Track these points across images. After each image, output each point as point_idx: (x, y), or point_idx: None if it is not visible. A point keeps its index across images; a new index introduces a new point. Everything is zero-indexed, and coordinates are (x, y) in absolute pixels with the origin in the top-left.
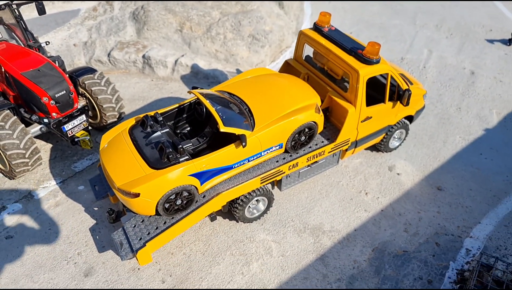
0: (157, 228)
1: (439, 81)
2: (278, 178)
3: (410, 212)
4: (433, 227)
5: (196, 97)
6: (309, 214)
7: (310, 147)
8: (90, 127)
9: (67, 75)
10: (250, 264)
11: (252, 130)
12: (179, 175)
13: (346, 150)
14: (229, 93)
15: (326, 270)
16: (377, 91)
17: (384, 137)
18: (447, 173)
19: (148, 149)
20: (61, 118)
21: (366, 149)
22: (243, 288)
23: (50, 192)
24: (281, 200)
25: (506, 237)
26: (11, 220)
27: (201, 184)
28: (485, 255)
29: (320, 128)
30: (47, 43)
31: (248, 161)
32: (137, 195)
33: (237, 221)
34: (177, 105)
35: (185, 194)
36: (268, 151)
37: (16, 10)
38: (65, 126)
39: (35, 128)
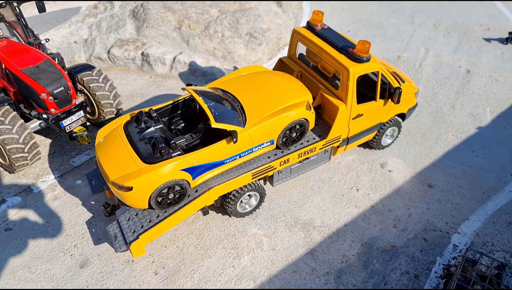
0: (150, 221)
1: (434, 80)
2: (269, 173)
3: (400, 208)
4: (422, 223)
5: (190, 93)
6: (300, 210)
7: (301, 144)
8: (88, 123)
9: (66, 72)
10: (241, 257)
11: (244, 127)
12: (171, 169)
13: (338, 147)
14: (222, 90)
15: (315, 264)
16: (369, 89)
17: (376, 135)
18: (438, 170)
19: (142, 144)
20: (59, 114)
21: (359, 146)
22: (233, 280)
23: (48, 186)
24: (274, 195)
25: (493, 233)
26: (10, 212)
27: (193, 179)
28: (471, 250)
29: (311, 125)
30: (47, 40)
31: (240, 156)
32: (130, 189)
33: (230, 216)
34: (171, 101)
35: (177, 188)
36: (259, 147)
37: (16, 8)
38: (63, 121)
39: (35, 124)
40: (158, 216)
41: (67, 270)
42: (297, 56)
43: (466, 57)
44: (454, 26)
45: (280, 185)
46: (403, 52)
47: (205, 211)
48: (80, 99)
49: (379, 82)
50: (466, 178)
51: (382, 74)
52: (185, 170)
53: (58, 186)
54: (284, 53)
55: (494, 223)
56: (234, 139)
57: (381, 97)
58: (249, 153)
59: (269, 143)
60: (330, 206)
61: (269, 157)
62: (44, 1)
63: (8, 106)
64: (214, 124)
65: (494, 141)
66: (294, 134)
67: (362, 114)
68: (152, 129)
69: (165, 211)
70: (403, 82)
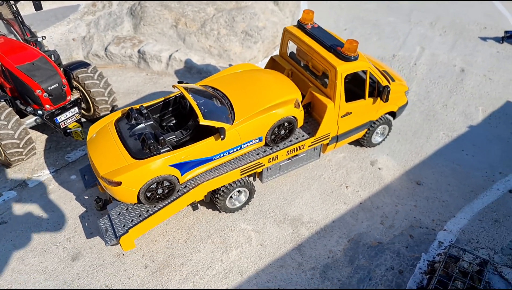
0: (140, 215)
1: (428, 78)
2: (258, 170)
3: (387, 205)
4: (409, 220)
5: (180, 91)
6: (289, 206)
7: (290, 141)
8: (83, 119)
9: (62, 69)
10: (230, 252)
11: (232, 124)
12: (159, 165)
13: (328, 144)
14: (212, 87)
15: (301, 259)
16: (359, 87)
17: (366, 133)
18: (427, 168)
19: (132, 140)
20: (54, 110)
21: (349, 144)
22: (221, 274)
23: (43, 181)
24: (264, 191)
25: (479, 231)
26: (5, 206)
27: (182, 174)
28: (455, 247)
29: (300, 122)
30: (43, 37)
31: (228, 153)
32: (119, 184)
33: (220, 212)
34: (162, 99)
35: (166, 183)
36: (248, 144)
37: (13, 5)
38: (58, 117)
39: (30, 120)
40: (147, 210)
41: (59, 263)
42: (288, 55)
43: (461, 56)
44: (450, 24)
45: (270, 181)
46: (399, 50)
47: (194, 206)
48: (75, 95)
49: (368, 81)
50: (455, 176)
51: (370, 73)
52: (173, 166)
53: (53, 181)
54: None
55: (480, 220)
56: (222, 136)
57: (370, 96)
58: (237, 150)
59: (257, 140)
60: (319, 202)
61: (258, 154)
62: (42, 0)
63: (4, 102)
64: (202, 121)
65: (484, 139)
66: (282, 132)
67: (351, 112)
68: (142, 125)
69: (155, 206)
70: (393, 80)
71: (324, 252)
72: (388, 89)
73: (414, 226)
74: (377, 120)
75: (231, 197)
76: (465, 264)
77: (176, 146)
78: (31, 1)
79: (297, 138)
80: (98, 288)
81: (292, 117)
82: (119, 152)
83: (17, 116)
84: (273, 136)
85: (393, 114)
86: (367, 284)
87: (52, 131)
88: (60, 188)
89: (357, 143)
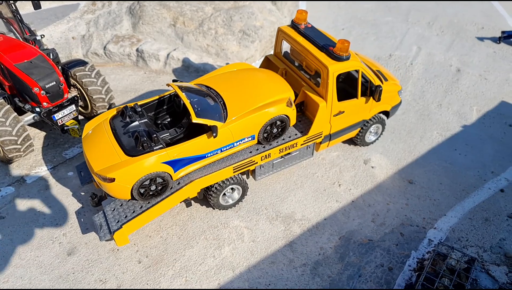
0: (134, 211)
1: (424, 78)
2: (251, 168)
3: (379, 204)
4: (400, 218)
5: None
6: (282, 203)
7: (283, 139)
8: (81, 117)
9: (60, 67)
10: (222, 248)
11: (224, 122)
12: (152, 162)
13: (321, 143)
14: (206, 86)
15: (293, 256)
16: (352, 87)
17: (359, 132)
18: (420, 167)
19: (125, 137)
20: (51, 108)
21: (343, 143)
22: (213, 269)
23: (41, 177)
24: (257, 189)
25: (469, 229)
26: (3, 202)
27: (175, 172)
28: (444, 245)
29: (293, 121)
30: (42, 36)
31: (221, 151)
32: (112, 180)
33: (213, 209)
34: (157, 97)
35: (159, 180)
36: (240, 142)
37: (12, 4)
38: (55, 115)
39: (29, 117)
40: (141, 207)
41: (55, 257)
42: (282, 54)
43: (458, 56)
44: (448, 24)
45: (263, 179)
46: (395, 50)
47: (188, 203)
48: (72, 93)
49: (360, 80)
50: (447, 175)
51: (362, 72)
52: (166, 163)
53: (50, 177)
54: None
55: (470, 219)
56: (214, 134)
57: (363, 95)
58: (230, 148)
59: (250, 138)
60: (311, 200)
61: (250, 152)
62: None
63: (3, 100)
64: (195, 119)
65: (477, 139)
66: (275, 130)
67: (343, 111)
68: (136, 123)
69: (148, 202)
70: (386, 80)
71: (315, 249)
72: (380, 88)
73: (405, 224)
74: (370, 119)
75: (224, 194)
76: (452, 261)
77: (170, 143)
78: (31, 0)
79: (289, 137)
80: (90, 288)
81: (284, 115)
82: (113, 149)
83: (15, 113)
84: (265, 135)
85: (386, 114)
86: (357, 280)
87: (50, 129)
88: (57, 185)
89: (351, 142)
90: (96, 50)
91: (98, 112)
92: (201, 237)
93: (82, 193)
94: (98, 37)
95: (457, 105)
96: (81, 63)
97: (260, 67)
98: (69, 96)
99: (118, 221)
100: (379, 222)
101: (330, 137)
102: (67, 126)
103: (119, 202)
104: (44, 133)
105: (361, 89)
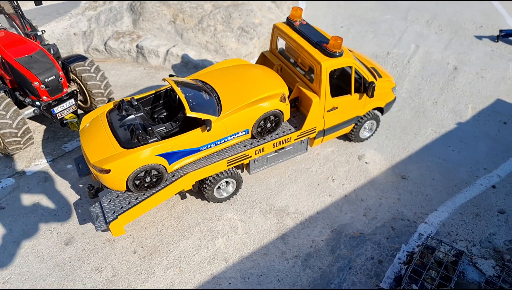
0: (129, 203)
1: (420, 76)
2: (245, 161)
3: (371, 198)
4: (391, 213)
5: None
6: (276, 197)
7: (276, 134)
8: (81, 111)
9: (60, 62)
10: (216, 239)
11: (218, 116)
12: (147, 154)
13: (315, 138)
14: (202, 81)
15: (285, 248)
16: (347, 83)
17: (354, 128)
18: (413, 163)
19: (121, 130)
20: (51, 102)
21: (338, 138)
22: (207, 260)
23: (40, 170)
24: (252, 183)
25: (459, 224)
26: (3, 193)
27: (169, 164)
28: (433, 239)
29: (286, 116)
30: (43, 31)
31: (215, 144)
32: (108, 171)
33: (208, 201)
34: (153, 91)
35: (154, 172)
36: (234, 136)
37: (14, 0)
38: (54, 108)
39: (29, 110)
40: (137, 198)
41: (52, 247)
42: (278, 51)
43: (455, 54)
44: (447, 23)
45: (257, 173)
46: (393, 48)
47: (182, 195)
48: (72, 88)
49: (353, 76)
50: (439, 171)
51: (355, 69)
52: (161, 155)
53: (50, 169)
54: None
55: (461, 214)
56: (208, 128)
57: (356, 91)
58: (224, 142)
59: (243, 133)
60: (305, 194)
61: (244, 146)
62: None
63: (4, 93)
64: (189, 113)
65: (471, 136)
66: (268, 125)
67: (337, 107)
68: (132, 116)
69: (144, 194)
70: (380, 77)
71: (307, 242)
72: (373, 85)
73: (396, 218)
74: (364, 116)
75: (219, 187)
76: (440, 254)
77: (166, 137)
78: None
79: (283, 131)
80: (83, 289)
81: (278, 110)
82: (109, 141)
83: (16, 107)
84: (259, 129)
85: (381, 110)
86: (347, 272)
87: (50, 122)
88: (56, 177)
89: (345, 138)
90: (97, 46)
91: (97, 106)
92: (196, 229)
93: (80, 185)
94: (99, 33)
95: (453, 103)
96: (81, 58)
97: (256, 63)
98: (68, 90)
99: (114, 212)
100: (371, 216)
101: (324, 133)
102: (66, 119)
103: (115, 194)
104: (44, 127)
105: (355, 86)
